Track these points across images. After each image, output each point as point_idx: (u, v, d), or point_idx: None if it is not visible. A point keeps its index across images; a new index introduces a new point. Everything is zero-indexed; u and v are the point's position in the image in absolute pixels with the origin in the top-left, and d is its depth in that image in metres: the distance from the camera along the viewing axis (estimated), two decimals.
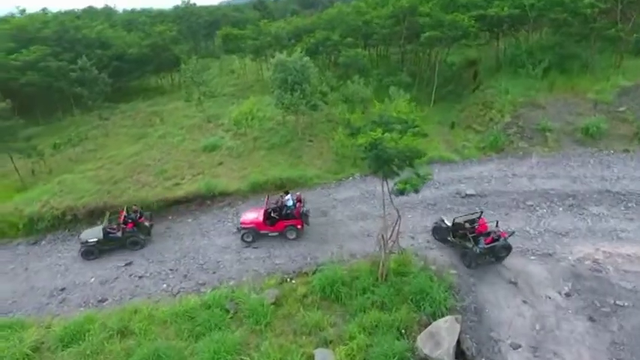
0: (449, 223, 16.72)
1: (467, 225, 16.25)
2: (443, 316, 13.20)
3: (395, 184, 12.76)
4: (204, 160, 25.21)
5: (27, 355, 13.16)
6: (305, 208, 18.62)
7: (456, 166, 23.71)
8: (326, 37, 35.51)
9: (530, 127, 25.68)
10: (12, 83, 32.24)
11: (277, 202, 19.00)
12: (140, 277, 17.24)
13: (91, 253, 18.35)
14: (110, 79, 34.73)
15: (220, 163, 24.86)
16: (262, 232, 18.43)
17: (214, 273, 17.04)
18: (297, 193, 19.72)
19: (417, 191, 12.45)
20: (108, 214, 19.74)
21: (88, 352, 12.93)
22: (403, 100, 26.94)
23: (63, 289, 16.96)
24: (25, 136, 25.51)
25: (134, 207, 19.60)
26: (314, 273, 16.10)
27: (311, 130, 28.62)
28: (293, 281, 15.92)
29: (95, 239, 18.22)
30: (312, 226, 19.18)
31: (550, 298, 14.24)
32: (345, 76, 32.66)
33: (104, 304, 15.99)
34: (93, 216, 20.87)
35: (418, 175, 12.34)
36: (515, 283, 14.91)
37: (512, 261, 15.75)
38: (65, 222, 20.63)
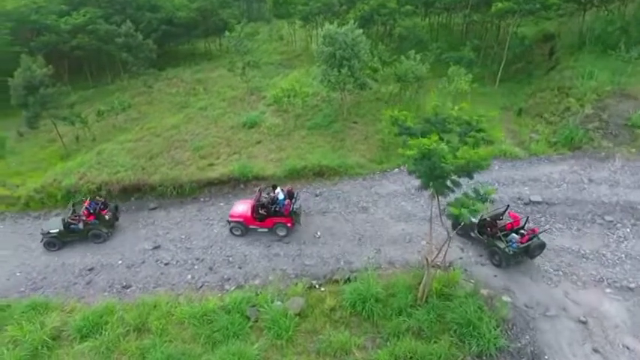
0: (473, 219, 14.37)
1: (498, 222, 15.09)
2: (492, 358, 11.23)
3: (447, 204, 10.59)
4: (241, 137, 23.92)
5: (45, 342, 12.91)
6: (296, 206, 16.90)
7: (519, 164, 20.65)
8: (382, 4, 32.14)
9: (616, 122, 21.72)
10: (62, 46, 32.30)
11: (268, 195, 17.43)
12: (166, 264, 16.60)
13: (52, 244, 17.69)
14: (157, 45, 33.94)
15: (258, 142, 23.48)
16: (251, 227, 17.14)
17: (240, 268, 15.99)
18: (289, 187, 18.01)
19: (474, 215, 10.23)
20: (71, 203, 18.96)
21: (103, 348, 12.46)
22: (465, 80, 23.94)
23: (91, 269, 16.72)
24: (69, 103, 25.41)
25: (98, 197, 18.85)
26: (346, 281, 14.57)
27: (357, 109, 26.31)
28: (322, 289, 14.50)
29: (56, 230, 17.49)
30: (350, 224, 17.54)
31: (629, 349, 11.75)
32: (400, 50, 29.58)
33: (127, 290, 15.55)
34: (126, 192, 20.49)
35: (478, 195, 10.06)
36: (584, 323, 12.49)
37: (582, 294, 13.23)
38: (101, 195, 20.30)
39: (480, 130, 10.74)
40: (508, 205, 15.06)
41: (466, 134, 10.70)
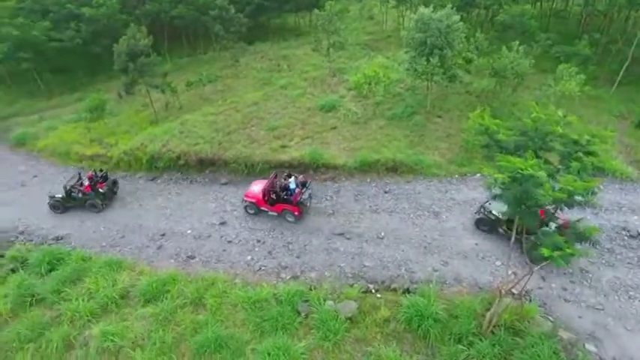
0: (498, 214, 14.84)
1: None
2: None
3: (535, 238, 9.07)
4: (317, 121, 23.45)
5: (114, 299, 13.93)
6: (304, 196, 17.09)
7: (630, 187, 17.61)
8: None
9: None
10: (163, 16, 34.12)
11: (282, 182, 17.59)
12: (229, 242, 16.98)
13: (57, 207, 19.27)
14: (249, 17, 34.40)
15: (333, 128, 22.84)
16: (262, 208, 17.61)
17: (298, 257, 15.80)
18: (300, 177, 17.97)
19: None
20: (78, 173, 20.11)
21: (161, 316, 13.11)
22: (575, 81, 20.81)
23: (163, 235, 17.71)
24: (163, 72, 26.84)
25: (100, 171, 19.84)
26: (405, 292, 13.66)
27: (443, 102, 24.35)
28: (378, 295, 13.74)
29: (60, 196, 18.97)
30: (418, 228, 16.40)
31: None
32: (501, 40, 26.61)
33: (191, 261, 16.20)
34: (202, 164, 21.26)
35: (577, 234, 8.41)
36: None
37: None
38: (179, 165, 21.40)
39: (589, 154, 8.93)
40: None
41: (571, 155, 8.97)
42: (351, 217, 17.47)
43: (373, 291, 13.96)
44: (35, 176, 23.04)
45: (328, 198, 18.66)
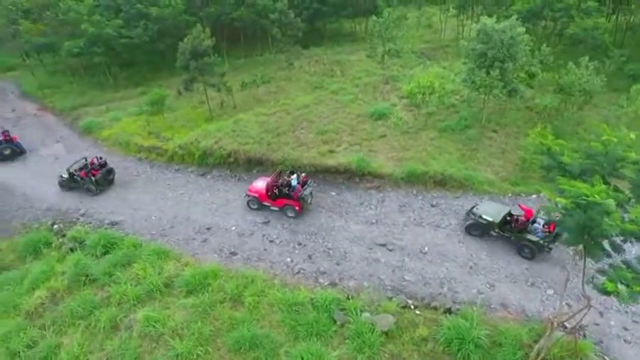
0: (490, 218, 15.52)
1: (520, 218, 15.36)
2: None
3: (597, 271, 8.37)
4: (366, 128, 23.27)
5: (159, 287, 14.52)
6: (305, 192, 17.82)
7: None
8: None
9: None
10: (224, 18, 35.39)
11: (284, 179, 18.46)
12: (271, 242, 17.20)
13: (63, 185, 21.76)
14: (307, 22, 34.90)
15: (382, 136, 22.56)
16: (264, 203, 18.34)
17: (338, 264, 15.69)
18: (303, 175, 18.76)
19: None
20: (84, 158, 21.98)
21: (201, 309, 13.49)
22: None
23: (209, 229, 18.27)
24: (221, 72, 27.78)
25: (100, 159, 21.94)
26: (446, 312, 13.14)
27: (500, 117, 23.33)
28: (417, 312, 13.31)
29: (65, 176, 21.30)
30: (464, 246, 15.77)
31: None
32: (569, 54, 25.11)
33: (233, 257, 16.56)
34: (250, 163, 21.75)
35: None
36: None
37: None
38: (228, 162, 22.02)
39: None
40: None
41: None
42: (395, 228, 17.12)
43: (412, 307, 13.55)
44: None
45: (372, 207, 18.42)
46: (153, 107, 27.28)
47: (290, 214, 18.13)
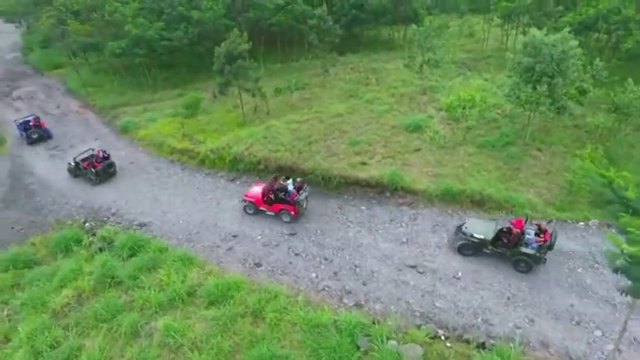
0: (482, 236, 15.04)
1: (514, 232, 14.97)
2: None
3: None
4: (401, 140, 22.46)
5: (181, 295, 14.32)
6: (301, 197, 17.86)
7: None
8: (613, 9, 25.67)
9: None
10: (262, 23, 35.53)
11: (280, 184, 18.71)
12: (296, 255, 16.73)
13: (70, 172, 23.56)
14: (344, 28, 34.48)
15: (417, 150, 21.69)
16: (260, 208, 18.51)
17: (364, 284, 14.99)
18: (299, 180, 18.94)
19: None
20: (91, 149, 23.88)
21: (221, 322, 13.16)
22: None
23: (235, 237, 18.02)
24: (256, 77, 27.70)
25: (104, 152, 23.46)
26: (479, 346, 12.18)
27: (545, 135, 21.95)
28: (448, 344, 12.43)
29: (73, 165, 23.08)
30: (502, 274, 14.71)
31: None
32: (624, 70, 23.38)
33: (258, 268, 16.18)
34: (280, 171, 21.34)
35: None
36: None
37: None
38: (258, 169, 21.78)
39: None
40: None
41: None
42: (426, 249, 16.25)
43: (442, 338, 12.67)
44: (132, 162, 25.03)
45: (403, 225, 17.61)
46: (188, 110, 27.56)
47: (285, 219, 18.24)
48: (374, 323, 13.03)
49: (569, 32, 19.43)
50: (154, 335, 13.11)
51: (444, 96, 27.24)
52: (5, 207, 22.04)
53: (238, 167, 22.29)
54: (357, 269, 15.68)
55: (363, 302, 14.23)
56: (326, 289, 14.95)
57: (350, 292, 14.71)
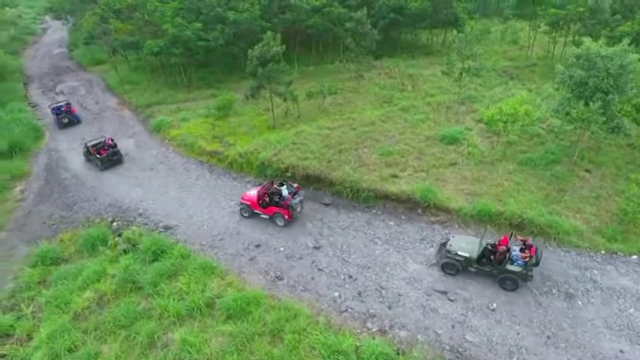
0: (467, 254, 14.49)
1: (500, 249, 14.44)
2: None
3: None
4: (435, 153, 21.39)
5: (200, 307, 13.97)
6: (295, 201, 18.02)
7: None
8: None
9: None
10: (298, 25, 35.08)
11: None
12: (320, 270, 16.07)
13: (84, 155, 25.39)
14: (381, 34, 33.58)
15: (453, 164, 20.58)
16: (256, 211, 18.72)
17: (389, 309, 14.13)
18: (296, 185, 19.07)
19: None
20: (102, 136, 25.90)
21: (238, 340, 12.70)
22: None
23: (258, 246, 17.56)
24: (288, 81, 27.27)
25: (112, 141, 25.25)
26: None
27: (595, 154, 20.33)
28: None
29: (85, 150, 25.05)
30: (542, 309, 13.50)
31: None
32: None
33: (279, 282, 15.64)
34: (308, 179, 20.79)
35: None
36: None
37: None
38: (285, 176, 21.23)
39: None
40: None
41: None
42: (459, 274, 15.18)
43: None
44: (162, 162, 25.16)
45: (435, 245, 16.58)
46: (220, 111, 27.45)
47: (279, 223, 18.41)
48: (398, 354, 12.22)
49: (630, 44, 17.76)
50: (169, 347, 12.81)
51: (484, 106, 25.91)
52: (40, 201, 22.57)
53: (266, 173, 21.86)
54: (383, 291, 14.84)
55: (387, 328, 13.39)
56: (349, 310, 14.20)
57: (374, 316, 13.90)
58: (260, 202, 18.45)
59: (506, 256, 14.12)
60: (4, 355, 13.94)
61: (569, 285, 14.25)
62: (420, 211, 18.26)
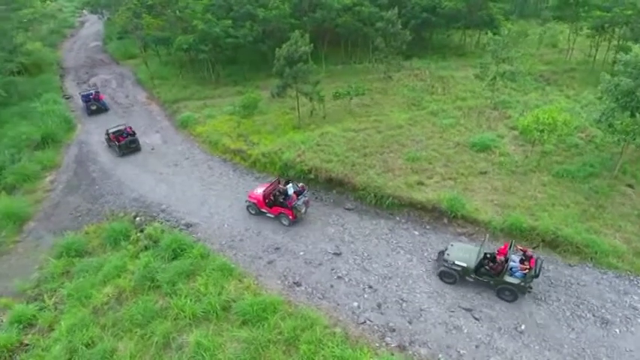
0: (464, 264, 14.20)
1: (499, 259, 14.19)
2: None
3: None
4: (464, 160, 20.54)
5: (216, 309, 13.80)
6: (299, 202, 17.87)
7: None
8: None
9: None
10: (327, 23, 34.57)
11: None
12: (339, 277, 15.64)
13: (106, 141, 26.73)
14: (412, 34, 32.70)
15: (483, 173, 19.69)
16: (262, 210, 18.72)
17: (410, 323, 13.57)
18: (301, 184, 19.12)
19: None
20: (124, 124, 27.23)
21: (252, 347, 12.44)
22: None
23: (277, 249, 17.28)
24: (315, 80, 26.85)
25: (130, 128, 26.39)
26: None
27: (637, 168, 18.99)
28: None
29: (107, 136, 26.36)
30: (574, 333, 12.64)
31: None
32: None
33: (297, 288, 15.30)
34: (330, 183, 20.36)
35: None
36: None
37: None
38: (308, 178, 20.86)
39: None
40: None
41: None
42: (485, 291, 14.45)
43: None
44: (187, 159, 25.28)
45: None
46: (245, 110, 27.33)
47: (284, 222, 18.35)
48: None
49: None
50: (184, 350, 12.70)
51: (518, 112, 24.78)
52: (68, 192, 23.08)
53: (288, 174, 21.55)
54: (404, 304, 14.27)
55: (407, 344, 12.84)
56: (367, 322, 13.71)
57: (394, 331, 13.36)
58: (266, 200, 18.46)
59: (504, 267, 13.73)
60: (27, 344, 14.23)
61: (606, 310, 13.29)
62: (445, 221, 17.53)
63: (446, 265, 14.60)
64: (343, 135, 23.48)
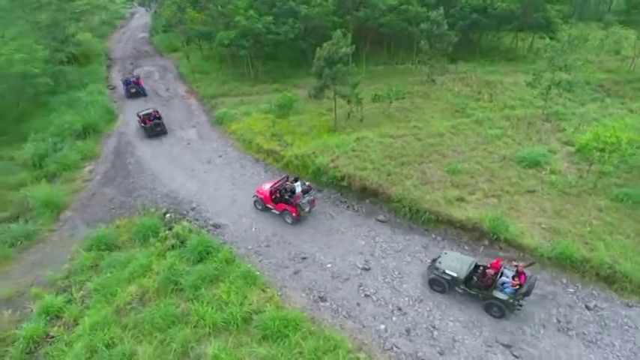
0: (454, 273, 13.83)
1: (488, 272, 13.65)
2: None
3: None
4: (511, 176, 19.02)
5: (237, 321, 13.33)
6: (303, 201, 17.85)
7: None
8: None
9: None
10: (371, 23, 33.45)
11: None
12: (366, 296, 14.78)
13: (138, 120, 28.59)
14: (459, 35, 31.04)
15: (530, 192, 18.14)
16: (268, 206, 18.80)
17: (441, 354, 12.53)
18: (308, 183, 19.13)
19: None
20: (153, 108, 29.45)
21: None
22: None
23: (304, 259, 16.63)
24: (354, 82, 25.90)
25: (156, 112, 28.43)
26: None
27: None
28: None
29: (138, 118, 28.46)
30: None
31: None
32: None
33: (321, 304, 14.58)
34: (364, 192, 19.46)
35: None
36: None
37: None
38: (340, 185, 20.07)
39: None
40: None
41: None
42: (527, 325, 13.15)
43: None
44: (220, 156, 25.13)
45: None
46: (281, 110, 26.85)
47: (288, 220, 18.39)
48: None
49: None
50: None
51: (573, 126, 22.83)
52: (105, 184, 23.48)
53: (321, 179, 20.85)
54: (435, 332, 13.23)
55: None
56: (394, 349, 12.80)
57: None
58: (272, 197, 18.52)
59: (494, 281, 13.35)
60: (52, 337, 14.36)
61: None
62: (486, 242, 16.24)
63: (436, 273, 14.33)
64: (380, 141, 22.46)
